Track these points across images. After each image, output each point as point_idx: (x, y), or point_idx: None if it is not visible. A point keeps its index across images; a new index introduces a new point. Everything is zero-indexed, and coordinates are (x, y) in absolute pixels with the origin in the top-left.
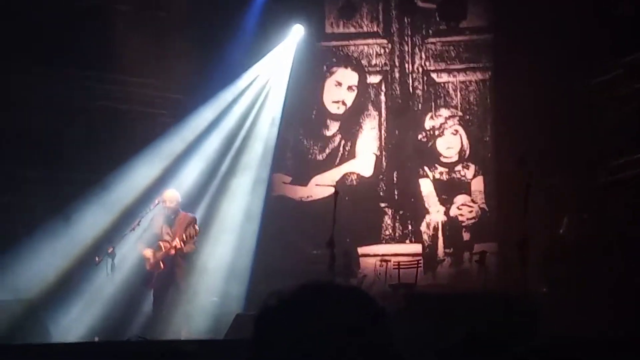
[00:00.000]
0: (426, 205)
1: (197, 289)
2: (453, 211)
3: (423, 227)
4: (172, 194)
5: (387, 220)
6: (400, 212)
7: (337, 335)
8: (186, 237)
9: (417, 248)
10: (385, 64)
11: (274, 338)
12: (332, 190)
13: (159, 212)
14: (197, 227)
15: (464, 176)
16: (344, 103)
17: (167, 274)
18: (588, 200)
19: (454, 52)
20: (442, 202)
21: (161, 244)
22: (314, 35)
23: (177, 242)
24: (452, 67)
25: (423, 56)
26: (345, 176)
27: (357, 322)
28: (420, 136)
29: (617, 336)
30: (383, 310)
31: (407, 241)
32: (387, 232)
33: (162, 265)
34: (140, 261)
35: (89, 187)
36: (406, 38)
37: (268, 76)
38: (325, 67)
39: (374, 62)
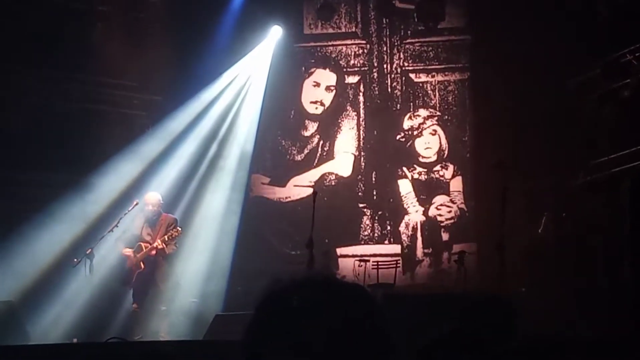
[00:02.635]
0: (405, 205)
1: (177, 289)
2: (432, 211)
3: (402, 228)
4: (154, 196)
5: (366, 220)
6: (379, 213)
7: (336, 327)
8: (168, 238)
9: (395, 248)
10: (364, 65)
11: (275, 324)
12: (311, 190)
13: (140, 214)
14: (179, 228)
15: (443, 176)
16: (322, 103)
17: (147, 275)
18: (566, 200)
19: (433, 53)
20: (421, 202)
21: (142, 244)
22: (292, 36)
23: (158, 243)
24: (430, 67)
25: (401, 56)
26: (323, 177)
27: (357, 317)
28: (398, 136)
29: (595, 335)
30: (382, 309)
31: (386, 241)
32: (366, 233)
33: (142, 265)
34: (119, 262)
35: (68, 188)
36: (384, 39)
37: (246, 77)
38: (303, 68)
39: (352, 62)
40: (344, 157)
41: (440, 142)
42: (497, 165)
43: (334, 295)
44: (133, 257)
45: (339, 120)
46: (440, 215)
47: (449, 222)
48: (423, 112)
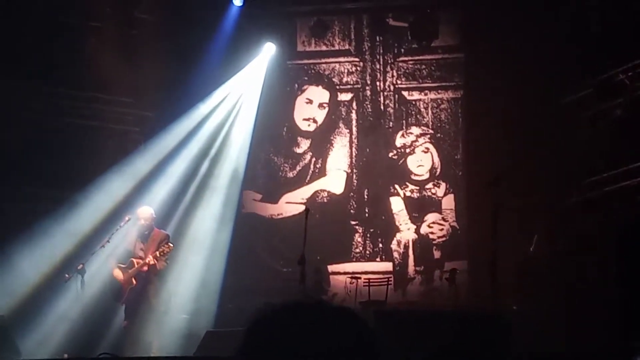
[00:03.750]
0: (397, 223)
1: (168, 305)
2: (424, 229)
3: (394, 245)
4: (146, 211)
5: (358, 238)
6: (371, 230)
7: (326, 351)
8: (159, 254)
9: (387, 266)
10: (357, 82)
11: (264, 348)
12: (303, 207)
13: (133, 229)
14: (170, 244)
15: (435, 194)
16: (314, 121)
17: (139, 291)
18: (558, 219)
19: (426, 71)
20: (413, 220)
21: (134, 260)
22: (285, 53)
23: (149, 259)
24: (423, 85)
25: (394, 74)
26: (315, 194)
27: (347, 342)
28: (391, 154)
29: (586, 352)
30: (372, 332)
31: (378, 259)
32: (358, 250)
33: (134, 281)
34: (110, 278)
35: (60, 204)
36: (378, 56)
37: (239, 94)
38: (296, 85)
39: (345, 79)
40: (336, 174)
41: (432, 160)
42: (494, 182)
43: (325, 320)
44: (124, 275)
45: (332, 138)
46: (432, 233)
47: (440, 240)
48: (416, 130)
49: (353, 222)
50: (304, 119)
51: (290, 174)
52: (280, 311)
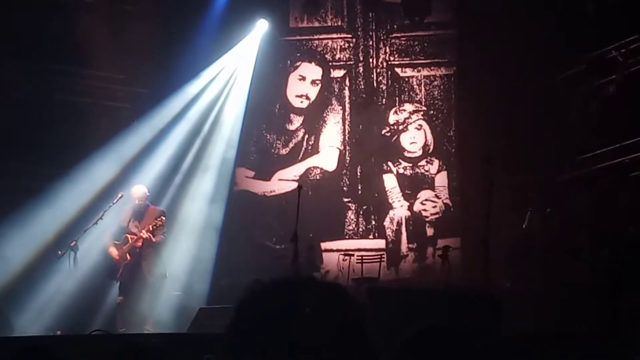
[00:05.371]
0: (390, 200)
1: (162, 282)
2: (417, 206)
3: (387, 222)
4: (140, 190)
5: (351, 215)
6: (364, 207)
7: (315, 327)
8: (152, 227)
9: (380, 243)
10: (350, 59)
11: (254, 325)
12: (296, 184)
13: (126, 206)
14: (163, 218)
15: (428, 171)
16: (307, 97)
17: (134, 266)
18: (552, 196)
19: (419, 47)
20: (406, 197)
21: (128, 236)
22: (278, 29)
23: (143, 233)
24: (416, 61)
25: (387, 51)
26: (308, 171)
27: (335, 317)
28: (384, 131)
29: (579, 330)
30: (361, 308)
31: (371, 236)
32: (351, 227)
33: (128, 257)
34: (104, 255)
35: (52, 181)
36: (370, 33)
37: (232, 70)
38: (289, 62)
39: (338, 56)
40: (329, 151)
41: (425, 137)
42: (487, 160)
43: (313, 296)
44: (119, 251)
45: (324, 115)
46: (425, 210)
47: (433, 217)
48: (409, 107)
49: (346, 199)
50: (297, 96)
51: (283, 151)
52: (270, 288)
